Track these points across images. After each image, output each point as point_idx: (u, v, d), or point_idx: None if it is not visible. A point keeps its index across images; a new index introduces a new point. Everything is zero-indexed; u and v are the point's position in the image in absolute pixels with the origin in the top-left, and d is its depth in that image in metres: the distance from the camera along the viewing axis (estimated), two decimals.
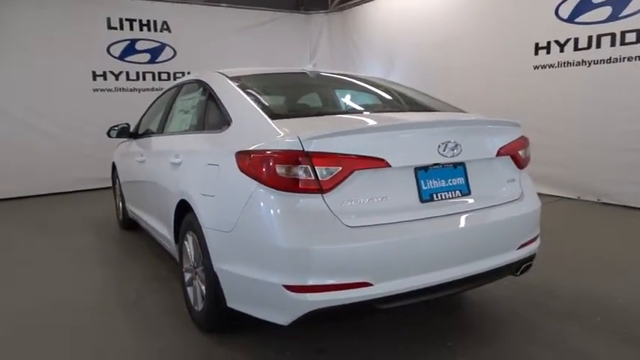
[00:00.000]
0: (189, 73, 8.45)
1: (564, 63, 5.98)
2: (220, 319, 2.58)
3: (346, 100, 3.20)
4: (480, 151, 2.48)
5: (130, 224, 4.98)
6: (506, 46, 6.56)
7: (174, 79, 8.39)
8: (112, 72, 7.90)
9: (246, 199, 2.20)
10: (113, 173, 5.40)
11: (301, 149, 2.06)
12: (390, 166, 2.16)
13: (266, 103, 2.63)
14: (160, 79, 8.30)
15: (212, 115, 2.87)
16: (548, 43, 6.10)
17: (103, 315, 3.07)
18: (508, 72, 6.54)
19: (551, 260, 3.67)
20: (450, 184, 2.37)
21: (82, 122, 7.64)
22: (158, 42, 8.27)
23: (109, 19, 7.82)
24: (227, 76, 3.00)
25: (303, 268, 2.04)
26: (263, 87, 2.95)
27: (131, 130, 4.50)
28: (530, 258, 2.65)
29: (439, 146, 2.28)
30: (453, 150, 2.31)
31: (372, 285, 2.09)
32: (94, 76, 7.79)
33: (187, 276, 2.92)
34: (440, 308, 2.99)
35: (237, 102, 2.66)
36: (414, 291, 2.20)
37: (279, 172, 2.07)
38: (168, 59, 8.38)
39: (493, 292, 3.18)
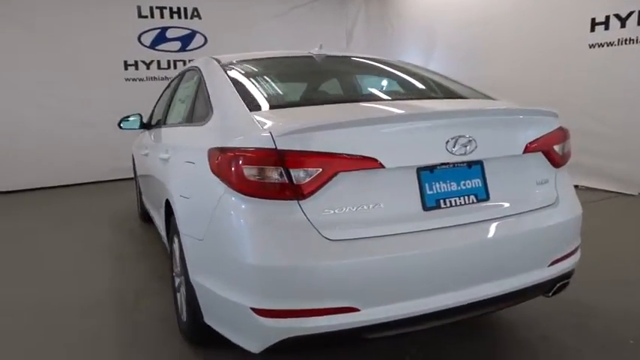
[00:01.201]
0: None
1: (626, 40, 5.26)
2: (201, 333, 2.30)
3: (350, 86, 2.79)
4: (503, 147, 2.05)
5: (148, 217, 4.85)
6: (557, 21, 5.88)
7: None
8: (143, 61, 7.82)
9: (215, 205, 1.89)
10: (133, 164, 5.30)
11: (273, 147, 1.72)
12: (383, 166, 1.78)
13: (252, 92, 2.29)
14: None
15: (199, 106, 2.57)
16: (607, 17, 5.38)
17: (93, 316, 2.89)
18: (559, 51, 5.86)
19: (599, 269, 3.16)
20: (463, 187, 1.96)
21: (115, 112, 7.47)
22: (189, 29, 8.11)
23: (139, 8, 7.72)
24: (219, 62, 2.69)
25: (274, 290, 1.72)
26: (257, 73, 2.63)
27: (144, 120, 4.31)
28: (566, 276, 2.20)
29: (447, 142, 1.87)
30: (465, 146, 1.89)
31: (358, 310, 1.74)
32: (126, 65, 7.73)
33: (177, 281, 2.67)
34: (458, 330, 2.56)
35: (221, 90, 2.34)
36: (413, 318, 1.83)
37: (247, 174, 1.74)
38: (199, 47, 8.19)
39: (522, 310, 2.73)
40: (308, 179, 1.72)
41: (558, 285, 2.18)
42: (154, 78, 7.90)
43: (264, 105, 2.16)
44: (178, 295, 2.63)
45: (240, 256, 1.75)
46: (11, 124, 7.02)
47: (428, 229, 1.86)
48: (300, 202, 1.73)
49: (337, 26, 9.23)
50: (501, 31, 6.57)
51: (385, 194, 1.83)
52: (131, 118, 4.26)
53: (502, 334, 2.58)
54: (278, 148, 1.71)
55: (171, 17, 7.97)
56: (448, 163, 1.92)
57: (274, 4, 8.58)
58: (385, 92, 2.75)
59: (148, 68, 7.85)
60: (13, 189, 7.04)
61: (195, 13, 8.12)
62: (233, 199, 1.79)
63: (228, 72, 2.53)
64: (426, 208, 1.87)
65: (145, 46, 7.84)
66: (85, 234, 4.80)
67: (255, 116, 1.98)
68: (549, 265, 2.10)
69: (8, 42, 6.91)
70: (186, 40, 8.11)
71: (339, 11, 9.23)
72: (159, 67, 7.94)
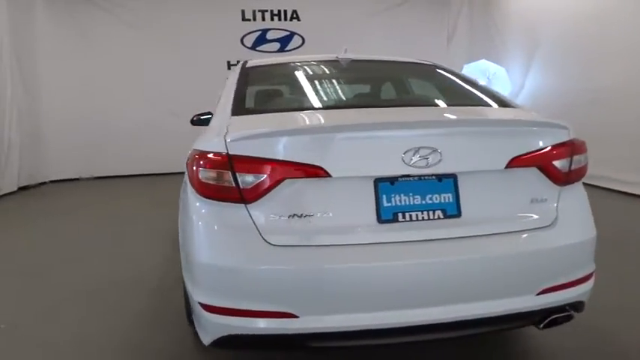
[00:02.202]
0: None
1: None
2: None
3: (350, 92, 2.72)
4: (481, 161, 1.88)
5: None
6: None
7: None
8: None
9: (184, 203, 2.03)
10: None
11: (225, 152, 1.79)
12: (329, 175, 1.76)
13: (247, 96, 2.38)
14: None
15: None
16: None
17: (117, 305, 3.04)
18: None
19: None
20: (430, 201, 1.84)
21: None
22: (287, 31, 8.46)
23: (243, 11, 8.26)
24: (245, 65, 2.83)
25: (217, 287, 1.80)
26: (269, 77, 2.71)
27: None
28: (561, 309, 1.95)
29: (405, 153, 1.77)
30: (426, 158, 1.78)
31: (296, 317, 1.74)
32: (229, 65, 8.29)
33: None
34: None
35: (225, 93, 2.47)
36: (360, 332, 1.78)
37: (202, 176, 1.84)
38: (297, 47, 8.51)
39: (540, 338, 2.46)
40: (254, 184, 1.76)
41: (553, 317, 1.94)
42: None
43: (249, 109, 2.23)
44: None
45: (192, 254, 1.86)
46: (122, 118, 7.83)
47: (380, 242, 1.79)
48: (248, 205, 1.78)
49: (438, 24, 8.90)
50: (616, 28, 5.81)
51: (336, 204, 1.80)
52: (203, 117, 4.61)
53: None
54: (229, 152, 1.78)
55: (272, 20, 8.39)
56: (412, 176, 1.82)
57: (372, 4, 8.57)
58: (379, 98, 2.66)
59: None
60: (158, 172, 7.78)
61: (295, 15, 8.44)
62: (193, 199, 1.91)
63: (245, 75, 2.64)
64: (380, 220, 1.80)
65: (247, 47, 8.35)
66: (161, 221, 5.13)
67: (232, 120, 2.07)
68: (538, 294, 1.88)
69: (124, 42, 7.79)
70: (284, 41, 8.47)
71: (439, 10, 8.88)
72: None
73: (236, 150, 1.78)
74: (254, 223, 1.77)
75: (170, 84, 7.97)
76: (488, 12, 8.39)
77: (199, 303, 1.83)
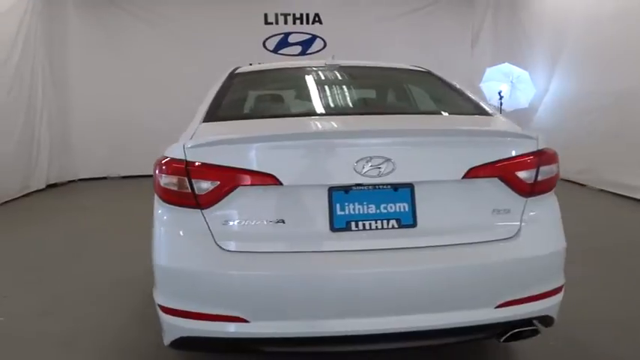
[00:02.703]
0: None
1: None
2: None
3: (323, 99, 2.69)
4: (438, 171, 1.86)
5: None
6: None
7: None
8: None
9: (153, 205, 2.09)
10: None
11: (183, 158, 1.84)
12: (280, 183, 1.78)
13: (222, 102, 2.41)
14: None
15: None
16: None
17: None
18: None
19: None
20: (384, 211, 1.83)
21: None
22: (309, 34, 8.51)
23: (266, 15, 8.37)
24: (233, 71, 2.88)
25: (173, 290, 1.86)
26: (251, 84, 2.75)
27: None
28: (526, 322, 1.90)
29: (357, 162, 1.77)
30: (379, 167, 1.78)
31: (247, 322, 1.77)
32: None
33: None
34: None
35: (205, 99, 2.52)
36: (311, 338, 1.80)
37: (162, 182, 1.89)
38: (319, 50, 8.54)
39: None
40: (209, 191, 1.80)
41: (516, 331, 1.90)
42: None
43: (221, 116, 2.27)
44: None
45: (153, 254, 1.92)
46: (147, 119, 8.00)
47: (332, 251, 1.80)
48: (203, 211, 1.82)
49: (461, 28, 8.73)
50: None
51: (290, 211, 1.82)
52: None
53: None
54: (187, 159, 1.83)
55: (294, 23, 8.47)
56: (366, 185, 1.82)
57: (394, 7, 8.51)
58: (354, 106, 2.64)
59: None
60: None
61: (317, 19, 8.49)
62: (157, 204, 1.96)
63: (229, 82, 2.69)
64: (333, 229, 1.81)
65: (269, 50, 8.46)
66: None
67: (200, 127, 2.11)
68: (497, 307, 1.84)
69: (149, 45, 8.03)
70: (306, 45, 8.53)
71: (463, 12, 8.72)
72: None
73: (193, 157, 1.82)
74: (209, 228, 1.81)
75: (193, 85, 8.09)
76: (515, 13, 8.18)
77: (158, 304, 1.89)
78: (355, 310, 1.78)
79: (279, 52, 8.48)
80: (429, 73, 2.87)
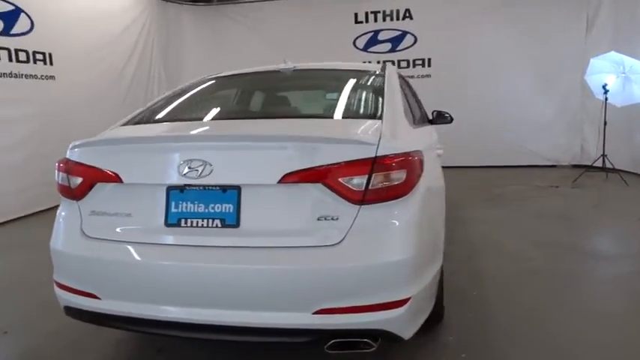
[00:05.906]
0: (428, 60, 8.29)
1: None
2: None
3: (235, 105, 2.71)
4: (258, 175, 1.90)
5: None
6: None
7: (414, 66, 8.36)
8: None
9: None
10: None
11: (68, 157, 2.20)
12: (122, 181, 2.02)
13: (155, 107, 2.70)
14: (399, 67, 8.41)
15: None
16: None
17: None
18: None
19: None
20: (211, 210, 1.94)
21: None
22: (399, 30, 8.38)
23: (356, 15, 8.48)
24: (204, 77, 3.16)
25: (57, 267, 2.22)
26: (201, 90, 2.96)
27: None
28: (348, 333, 1.84)
29: (180, 164, 1.92)
30: (196, 170, 1.90)
31: (99, 299, 2.06)
32: None
33: None
34: None
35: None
36: (147, 320, 2.01)
37: (57, 178, 2.27)
38: (408, 47, 8.38)
39: None
40: (77, 185, 2.13)
41: (338, 341, 1.86)
42: None
43: (139, 120, 2.55)
44: None
45: None
46: None
47: (163, 244, 1.99)
48: (78, 202, 2.16)
49: (573, 15, 7.71)
50: None
51: (136, 206, 2.04)
52: None
53: None
54: (69, 157, 2.19)
55: (384, 20, 8.42)
56: (198, 185, 1.95)
57: None
58: (257, 111, 2.68)
59: None
60: None
61: (407, 14, 8.31)
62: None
63: (188, 87, 2.98)
64: (167, 224, 1.98)
65: (359, 49, 8.55)
66: None
67: (112, 130, 2.45)
68: (315, 313, 1.83)
69: (248, 47, 8.60)
70: (396, 41, 8.42)
71: None
72: None
73: (71, 156, 2.17)
74: (80, 216, 2.14)
75: None
76: None
77: (54, 279, 2.29)
78: (179, 300, 1.94)
79: (369, 50, 8.52)
80: (375, 74, 2.79)
